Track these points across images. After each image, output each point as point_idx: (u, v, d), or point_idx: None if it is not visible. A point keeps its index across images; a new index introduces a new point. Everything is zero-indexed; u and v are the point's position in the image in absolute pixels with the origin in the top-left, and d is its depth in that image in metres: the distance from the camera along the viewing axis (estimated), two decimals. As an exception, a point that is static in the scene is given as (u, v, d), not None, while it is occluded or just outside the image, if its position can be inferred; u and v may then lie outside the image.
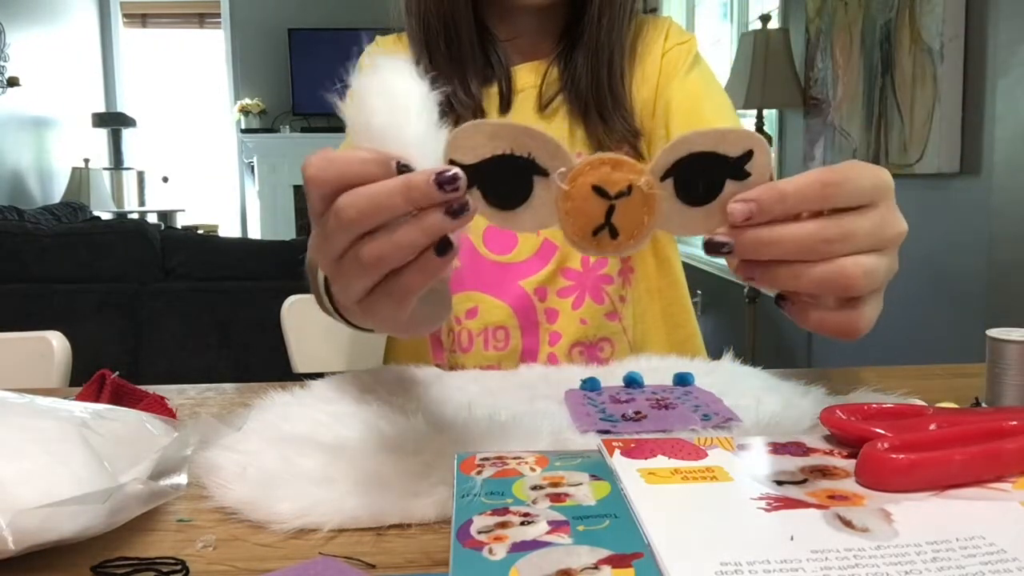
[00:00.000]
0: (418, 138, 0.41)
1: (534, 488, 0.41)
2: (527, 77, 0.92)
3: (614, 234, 0.42)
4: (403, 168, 0.39)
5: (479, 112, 0.89)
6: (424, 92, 0.42)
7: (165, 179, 6.44)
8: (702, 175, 0.41)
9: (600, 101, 0.87)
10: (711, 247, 0.41)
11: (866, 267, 0.40)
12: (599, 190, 0.41)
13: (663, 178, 0.41)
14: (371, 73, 0.43)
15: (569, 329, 0.88)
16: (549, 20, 0.90)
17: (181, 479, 0.48)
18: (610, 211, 0.41)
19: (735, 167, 0.41)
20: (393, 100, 0.42)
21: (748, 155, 0.41)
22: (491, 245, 0.90)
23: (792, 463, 0.45)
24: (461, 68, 0.88)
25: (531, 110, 0.90)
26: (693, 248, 3.61)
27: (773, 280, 0.42)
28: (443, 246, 0.40)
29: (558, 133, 0.88)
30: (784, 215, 0.40)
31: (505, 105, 0.91)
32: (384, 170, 0.39)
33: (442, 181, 0.38)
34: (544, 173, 0.42)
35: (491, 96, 0.91)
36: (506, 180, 0.42)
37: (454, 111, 0.87)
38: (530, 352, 0.89)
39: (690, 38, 0.92)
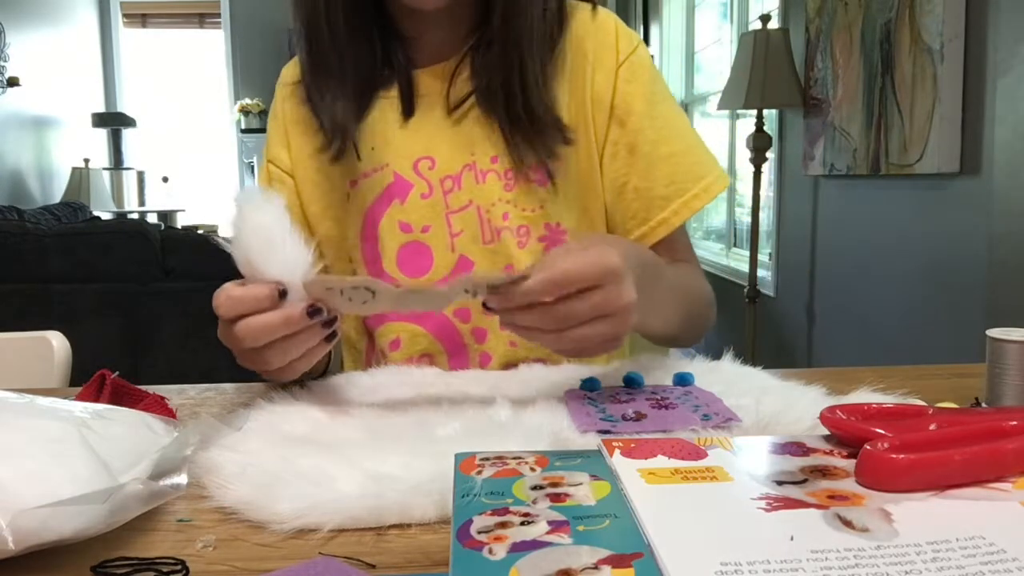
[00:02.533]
0: (287, 262, 0.58)
1: (534, 488, 0.41)
2: (433, 80, 0.86)
3: None
4: (283, 292, 0.58)
5: (348, 136, 0.84)
6: (286, 224, 0.59)
7: (165, 179, 6.43)
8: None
9: (512, 103, 0.81)
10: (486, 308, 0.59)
11: (579, 336, 0.57)
12: None
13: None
14: (241, 215, 0.59)
15: (499, 350, 0.85)
16: (456, 18, 0.84)
17: (181, 479, 0.48)
18: None
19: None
20: (262, 236, 0.58)
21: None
22: (405, 268, 0.85)
23: (792, 463, 0.45)
24: (343, 80, 0.83)
25: (439, 114, 0.85)
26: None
27: (523, 337, 0.61)
28: (330, 336, 0.61)
29: (469, 137, 0.84)
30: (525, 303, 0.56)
31: (408, 110, 0.86)
32: (270, 302, 0.57)
33: (311, 312, 0.58)
34: None
35: (391, 100, 0.86)
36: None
37: (327, 133, 0.84)
38: None
39: (639, 42, 0.86)
